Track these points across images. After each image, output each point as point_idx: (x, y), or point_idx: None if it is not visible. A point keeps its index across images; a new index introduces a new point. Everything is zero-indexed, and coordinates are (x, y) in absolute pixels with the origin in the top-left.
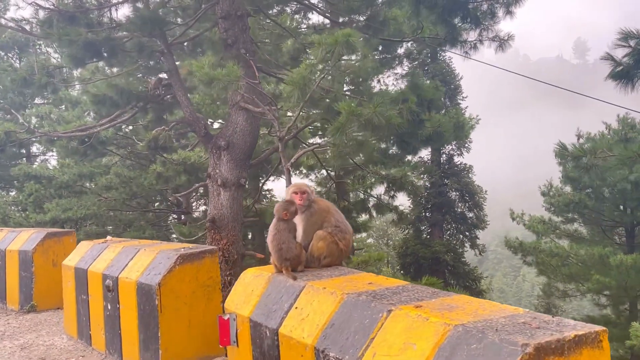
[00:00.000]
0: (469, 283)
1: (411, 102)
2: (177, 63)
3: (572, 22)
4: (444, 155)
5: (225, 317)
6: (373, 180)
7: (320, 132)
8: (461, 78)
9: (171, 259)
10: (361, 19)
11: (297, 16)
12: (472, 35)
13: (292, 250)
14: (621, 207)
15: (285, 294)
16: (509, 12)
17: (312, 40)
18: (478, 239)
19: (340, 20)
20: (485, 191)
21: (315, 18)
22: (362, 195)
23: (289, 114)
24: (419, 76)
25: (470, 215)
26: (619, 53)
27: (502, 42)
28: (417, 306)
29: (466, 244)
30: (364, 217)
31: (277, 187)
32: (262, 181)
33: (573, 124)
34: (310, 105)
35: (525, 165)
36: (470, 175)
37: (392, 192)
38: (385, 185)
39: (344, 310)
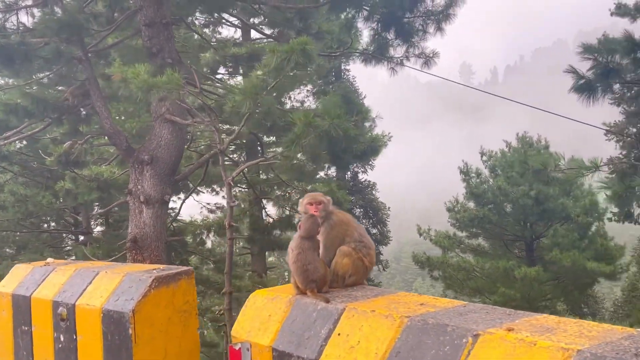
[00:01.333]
0: None
1: (365, 114)
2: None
3: (457, 47)
4: (349, 173)
5: (237, 347)
6: (298, 196)
7: (232, 148)
8: (364, 97)
9: (145, 281)
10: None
11: (206, 30)
12: (399, 52)
13: (318, 271)
14: (522, 222)
15: (320, 319)
16: (439, 29)
17: (233, 53)
18: (382, 254)
19: (269, 32)
20: (389, 207)
21: (225, 32)
22: (287, 212)
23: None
24: (332, 92)
25: (374, 231)
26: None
27: (428, 59)
28: (509, 329)
29: None
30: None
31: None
32: (183, 197)
33: (474, 141)
34: (235, 119)
35: (423, 182)
36: (373, 192)
37: None
38: None
39: (409, 336)
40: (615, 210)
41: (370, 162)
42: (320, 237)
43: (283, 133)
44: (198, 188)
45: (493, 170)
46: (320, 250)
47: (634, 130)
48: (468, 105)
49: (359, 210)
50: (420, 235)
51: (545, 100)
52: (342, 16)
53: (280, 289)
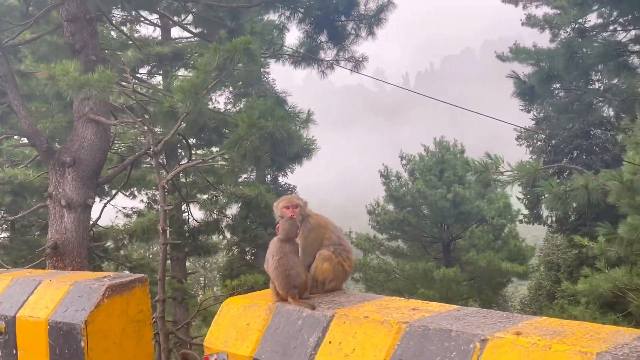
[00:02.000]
0: None
1: (308, 117)
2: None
3: (369, 54)
4: (269, 176)
5: (212, 358)
6: (225, 200)
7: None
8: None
9: (97, 290)
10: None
11: (124, 28)
12: (330, 54)
13: (300, 276)
14: (440, 224)
15: (307, 327)
16: (371, 33)
17: (157, 52)
18: None
19: (197, 30)
20: None
21: (143, 30)
22: (215, 216)
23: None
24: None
25: None
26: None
27: (358, 63)
28: (517, 332)
29: None
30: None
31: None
32: (104, 201)
33: (392, 145)
34: (166, 119)
35: (344, 185)
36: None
37: (245, 213)
38: (239, 205)
39: (409, 343)
40: (526, 212)
41: (290, 165)
42: (298, 241)
43: (213, 134)
44: (119, 191)
45: (412, 174)
46: (299, 255)
47: (543, 136)
48: (384, 110)
49: None
50: None
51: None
52: (266, 17)
53: (256, 296)
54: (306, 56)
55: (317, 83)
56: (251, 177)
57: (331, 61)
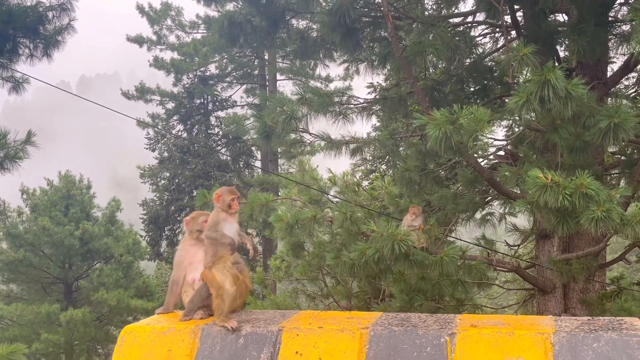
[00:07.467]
0: None
1: None
2: None
3: None
4: None
5: None
6: None
7: None
8: None
9: None
10: None
11: None
12: None
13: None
14: (64, 263)
15: (252, 343)
16: (47, 54)
17: None
18: None
19: None
20: None
21: None
22: None
23: None
24: None
25: None
26: None
27: (17, 84)
28: (473, 325)
29: None
30: None
31: None
32: None
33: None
34: None
35: None
36: None
37: None
38: None
39: (379, 345)
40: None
41: None
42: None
43: None
44: None
45: (35, 210)
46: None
47: (168, 174)
48: None
49: None
50: None
51: (52, 136)
52: None
53: (160, 320)
54: None
55: None
56: None
57: None
